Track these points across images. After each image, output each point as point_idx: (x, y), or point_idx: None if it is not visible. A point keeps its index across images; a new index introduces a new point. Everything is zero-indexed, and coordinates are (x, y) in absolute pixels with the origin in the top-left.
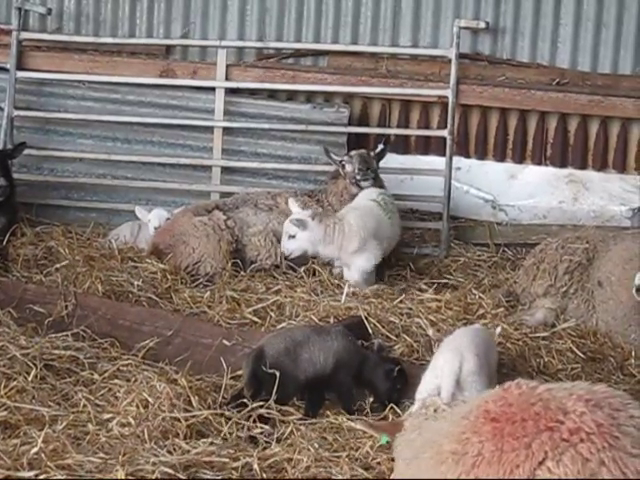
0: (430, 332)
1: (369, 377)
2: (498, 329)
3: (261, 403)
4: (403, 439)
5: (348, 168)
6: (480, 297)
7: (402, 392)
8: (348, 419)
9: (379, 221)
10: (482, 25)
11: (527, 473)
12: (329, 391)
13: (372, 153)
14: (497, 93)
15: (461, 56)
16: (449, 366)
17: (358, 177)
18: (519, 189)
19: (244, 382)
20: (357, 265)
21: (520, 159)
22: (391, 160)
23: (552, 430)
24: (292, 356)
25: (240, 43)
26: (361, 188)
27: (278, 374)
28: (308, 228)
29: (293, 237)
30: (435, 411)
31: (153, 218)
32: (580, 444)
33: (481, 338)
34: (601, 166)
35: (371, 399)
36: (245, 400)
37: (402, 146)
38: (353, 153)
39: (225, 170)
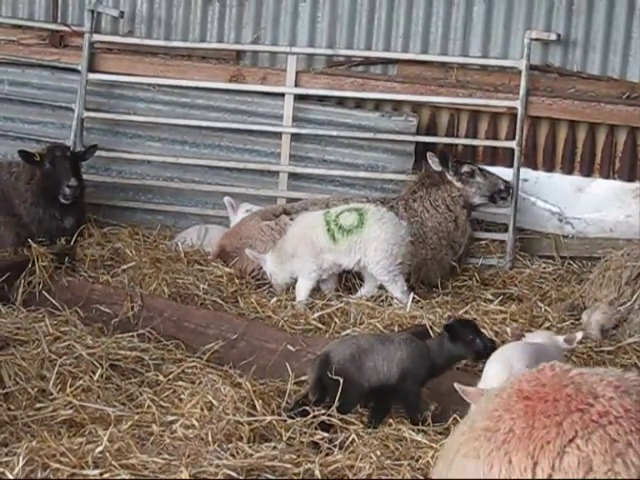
0: (509, 330)
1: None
2: (579, 335)
3: (324, 410)
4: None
5: (479, 179)
6: (546, 310)
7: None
8: (410, 429)
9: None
10: (553, 37)
11: (557, 449)
12: (396, 400)
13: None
14: (566, 105)
15: (531, 67)
16: (496, 378)
17: (503, 195)
18: (586, 202)
19: (309, 387)
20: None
21: (588, 172)
22: None
23: (582, 412)
24: (357, 363)
25: (310, 50)
26: (494, 202)
27: (342, 381)
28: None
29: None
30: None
31: (244, 207)
32: (609, 426)
33: (534, 348)
34: None
35: (433, 408)
36: (307, 407)
37: (470, 156)
38: (475, 166)
39: (292, 176)
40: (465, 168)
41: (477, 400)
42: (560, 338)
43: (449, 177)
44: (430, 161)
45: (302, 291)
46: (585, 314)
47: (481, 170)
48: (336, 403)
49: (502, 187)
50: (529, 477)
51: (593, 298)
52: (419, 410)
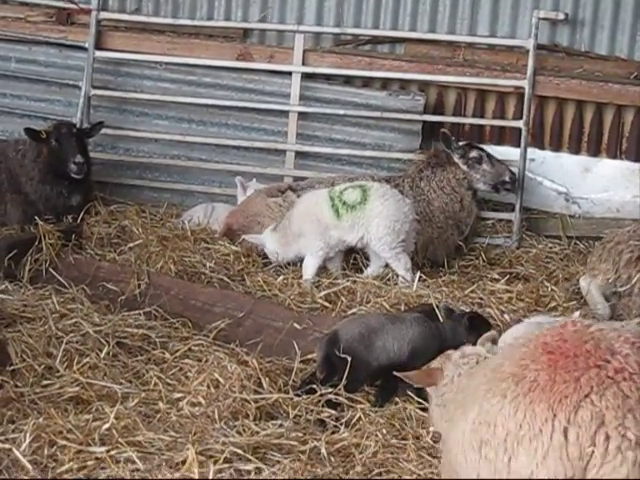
0: (507, 317)
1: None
2: (576, 314)
3: (330, 389)
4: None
5: (486, 167)
6: (552, 289)
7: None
8: (416, 407)
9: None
10: (561, 16)
11: (573, 403)
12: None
13: None
14: (574, 85)
15: (539, 47)
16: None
17: (508, 187)
18: (593, 182)
19: (317, 365)
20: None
21: (595, 152)
22: None
23: (599, 368)
24: (366, 342)
25: (317, 28)
26: (497, 192)
27: (350, 359)
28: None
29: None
30: (477, 362)
31: (253, 185)
32: (623, 382)
33: (539, 327)
34: None
35: None
36: (314, 386)
37: (477, 136)
38: (485, 153)
39: (299, 155)
40: (473, 153)
41: (425, 381)
42: (559, 319)
43: (455, 159)
44: (440, 136)
45: (309, 269)
46: (583, 280)
47: (490, 157)
48: (343, 381)
49: (507, 179)
50: (549, 427)
51: (591, 267)
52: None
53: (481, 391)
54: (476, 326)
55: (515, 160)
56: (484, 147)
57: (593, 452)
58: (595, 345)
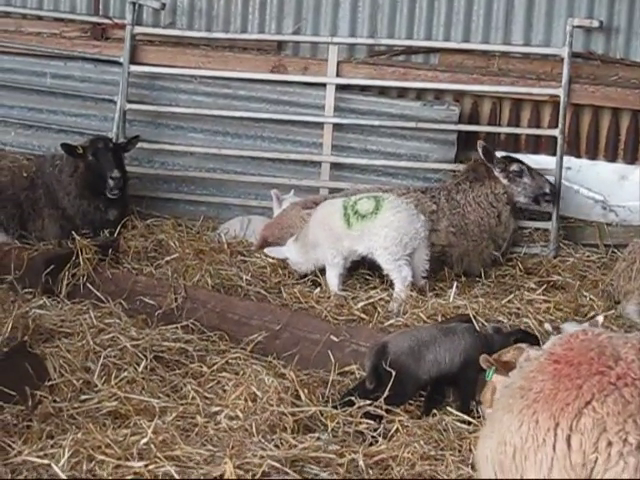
0: (546, 325)
1: None
2: (600, 318)
3: (368, 401)
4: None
5: (526, 180)
6: (591, 299)
7: None
8: (454, 419)
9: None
10: (596, 24)
11: (575, 411)
12: (453, 389)
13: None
14: (609, 93)
15: (574, 55)
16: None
17: (548, 198)
18: (630, 190)
19: (366, 375)
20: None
21: (632, 160)
22: None
23: (602, 374)
24: (415, 356)
25: (351, 40)
26: (538, 204)
27: (396, 373)
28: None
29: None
30: None
31: (289, 197)
32: (624, 388)
33: None
34: None
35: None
36: (353, 398)
37: (512, 145)
38: (525, 166)
39: (334, 166)
40: (514, 167)
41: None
42: (585, 324)
43: (496, 173)
44: (480, 149)
45: (331, 280)
46: (620, 307)
47: (530, 170)
48: (386, 393)
49: (547, 190)
50: (551, 437)
51: (623, 292)
52: (472, 399)
53: (498, 409)
54: (525, 340)
55: (551, 169)
56: (520, 157)
57: (597, 459)
58: (600, 352)
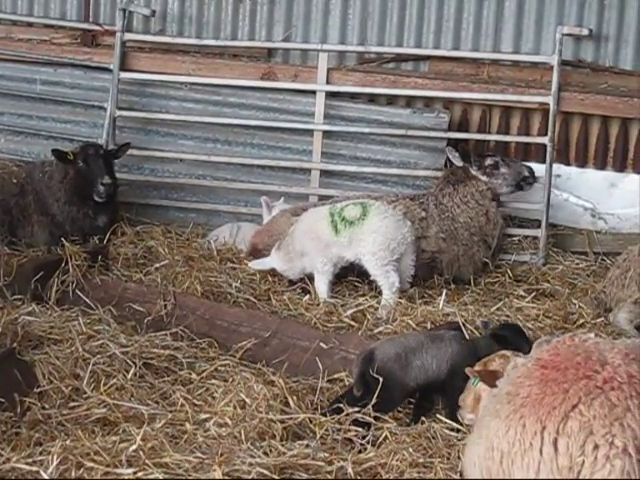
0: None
1: None
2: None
3: (357, 408)
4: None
5: (504, 170)
6: (580, 307)
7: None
8: (443, 427)
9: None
10: (585, 32)
11: (562, 414)
12: (440, 396)
13: None
14: (599, 101)
15: (563, 63)
16: None
17: (530, 181)
18: (619, 197)
19: (353, 382)
20: None
21: (621, 167)
22: None
23: (589, 378)
24: (402, 362)
25: (341, 47)
26: (521, 189)
27: (383, 380)
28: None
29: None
30: None
31: (279, 204)
32: (611, 391)
33: None
34: None
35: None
36: (341, 405)
37: (502, 152)
38: (498, 157)
39: (324, 173)
40: (488, 161)
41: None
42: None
43: (473, 172)
44: (450, 156)
45: (321, 288)
46: (612, 315)
47: (504, 160)
48: (373, 400)
49: (527, 173)
50: (538, 440)
51: (615, 299)
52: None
53: (487, 415)
54: (507, 340)
55: (541, 176)
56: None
57: (583, 462)
58: (586, 357)
